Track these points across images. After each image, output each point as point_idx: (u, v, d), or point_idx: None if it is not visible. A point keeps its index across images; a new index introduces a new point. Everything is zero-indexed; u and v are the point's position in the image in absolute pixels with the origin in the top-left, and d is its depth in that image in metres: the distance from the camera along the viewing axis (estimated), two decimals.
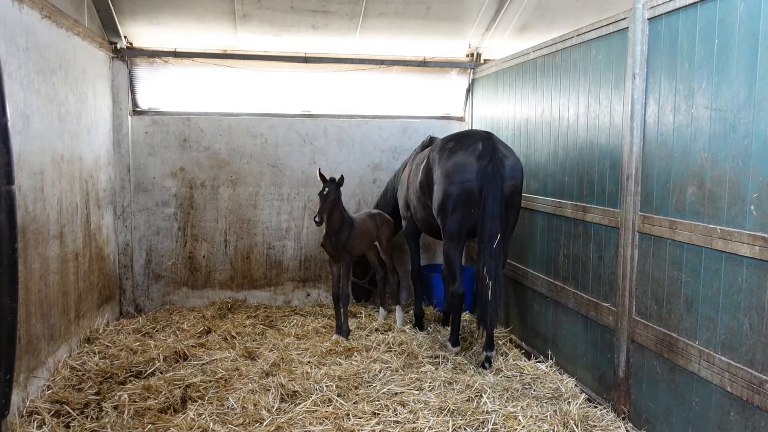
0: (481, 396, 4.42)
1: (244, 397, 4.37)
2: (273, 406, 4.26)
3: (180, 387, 4.55)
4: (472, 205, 4.92)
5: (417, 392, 4.48)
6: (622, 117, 4.21)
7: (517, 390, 4.61)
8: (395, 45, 7.06)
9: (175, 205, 6.94)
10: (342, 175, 5.67)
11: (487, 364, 5.09)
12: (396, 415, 4.14)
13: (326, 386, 4.55)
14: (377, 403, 4.31)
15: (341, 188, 5.66)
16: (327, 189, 5.52)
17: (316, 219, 5.42)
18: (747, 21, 3.13)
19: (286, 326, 6.28)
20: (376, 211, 6.43)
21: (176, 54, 6.75)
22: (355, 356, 5.28)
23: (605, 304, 4.44)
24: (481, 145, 4.99)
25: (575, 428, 3.96)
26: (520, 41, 6.83)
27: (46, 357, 4.60)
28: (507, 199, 4.93)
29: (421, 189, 5.54)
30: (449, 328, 5.66)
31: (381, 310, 6.60)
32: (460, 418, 4.08)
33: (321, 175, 5.65)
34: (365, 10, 6.33)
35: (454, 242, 5.12)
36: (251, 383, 4.64)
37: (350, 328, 6.02)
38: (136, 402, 4.31)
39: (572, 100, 4.90)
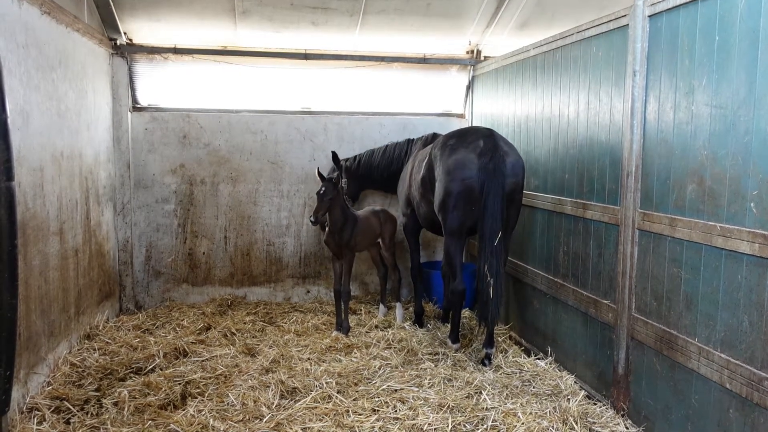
0: (480, 393, 4.43)
1: (244, 394, 4.38)
2: (273, 403, 4.27)
3: (180, 383, 4.55)
4: (473, 202, 4.92)
5: (417, 389, 4.49)
6: (622, 114, 4.21)
7: (517, 387, 4.62)
8: (395, 42, 7.05)
9: (175, 202, 6.94)
10: (339, 174, 5.66)
11: (486, 361, 5.10)
12: (396, 411, 4.15)
13: (326, 383, 4.56)
14: (377, 399, 4.32)
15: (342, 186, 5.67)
16: (323, 188, 5.52)
17: (311, 219, 5.43)
18: (747, 18, 3.12)
19: (285, 323, 6.28)
20: (380, 208, 6.43)
21: (176, 50, 6.74)
22: (355, 353, 5.29)
23: (605, 301, 4.44)
24: (482, 143, 4.98)
25: (574, 425, 3.97)
26: (521, 38, 6.82)
27: (46, 353, 4.60)
28: (508, 197, 4.92)
29: (423, 185, 5.55)
30: (449, 325, 5.67)
31: (381, 307, 6.61)
32: (459, 414, 4.09)
33: (319, 174, 5.65)
34: (365, 7, 6.32)
35: (455, 239, 5.12)
36: (251, 380, 4.65)
37: (350, 325, 6.03)
38: (136, 398, 4.31)
39: (572, 97, 4.89)
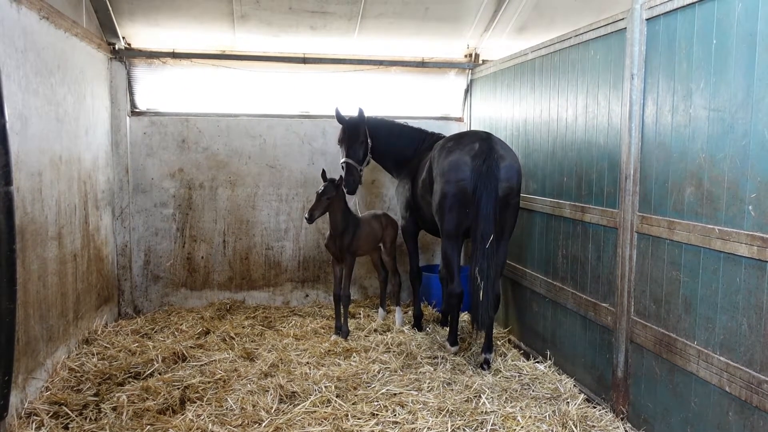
0: (479, 396, 4.43)
1: (243, 398, 4.37)
2: (272, 407, 4.26)
3: (179, 388, 4.54)
4: (468, 204, 4.91)
5: (416, 393, 4.48)
6: (620, 117, 4.21)
7: (516, 390, 4.61)
8: (394, 45, 7.06)
9: (174, 206, 6.94)
10: (341, 176, 5.67)
11: (485, 366, 5.09)
12: (395, 415, 4.14)
13: (325, 387, 4.55)
14: (376, 403, 4.31)
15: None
16: (323, 188, 5.53)
17: (306, 216, 5.42)
18: (745, 21, 3.13)
19: (284, 327, 6.27)
20: (381, 212, 6.43)
21: (174, 55, 6.74)
22: (354, 357, 5.28)
23: (604, 305, 4.44)
24: (477, 145, 4.99)
25: (574, 428, 3.96)
26: (519, 41, 6.83)
27: (44, 358, 4.59)
28: (502, 201, 4.91)
29: (424, 187, 5.56)
30: (448, 329, 5.66)
31: (380, 310, 6.60)
32: (458, 418, 4.08)
33: (323, 176, 5.66)
34: (364, 11, 6.33)
35: (452, 241, 5.12)
36: (250, 384, 4.64)
37: (349, 329, 6.02)
38: (134, 403, 4.30)
39: (570, 100, 4.90)
